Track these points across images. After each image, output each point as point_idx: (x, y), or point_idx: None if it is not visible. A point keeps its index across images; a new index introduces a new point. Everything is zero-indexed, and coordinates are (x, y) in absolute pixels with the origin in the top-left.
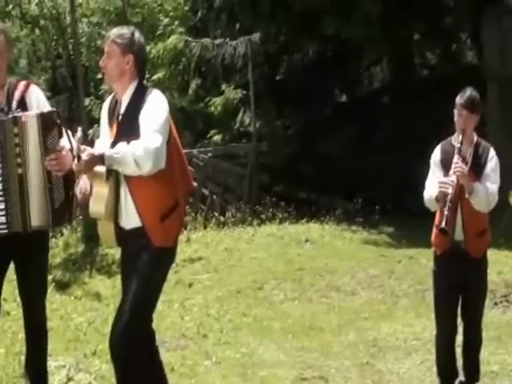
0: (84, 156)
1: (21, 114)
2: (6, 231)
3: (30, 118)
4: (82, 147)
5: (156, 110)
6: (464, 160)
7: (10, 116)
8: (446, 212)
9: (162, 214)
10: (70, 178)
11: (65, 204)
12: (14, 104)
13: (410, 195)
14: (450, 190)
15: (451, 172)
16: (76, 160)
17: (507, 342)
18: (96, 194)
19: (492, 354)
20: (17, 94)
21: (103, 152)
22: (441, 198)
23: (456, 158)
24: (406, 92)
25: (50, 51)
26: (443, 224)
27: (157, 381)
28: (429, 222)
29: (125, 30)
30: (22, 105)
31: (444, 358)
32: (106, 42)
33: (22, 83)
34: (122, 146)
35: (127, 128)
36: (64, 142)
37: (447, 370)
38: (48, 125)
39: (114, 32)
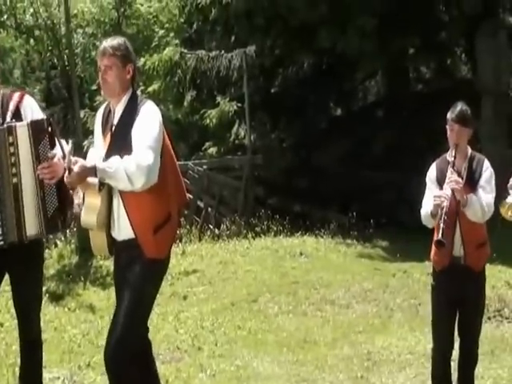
0: (76, 168)
1: (14, 123)
2: (1, 243)
3: (21, 127)
4: (74, 159)
5: (149, 123)
6: (459, 174)
7: (5, 125)
8: (441, 224)
9: (155, 226)
10: (62, 186)
11: (58, 212)
12: (9, 115)
13: (404, 209)
14: (444, 203)
15: (445, 185)
16: (67, 172)
17: (501, 356)
18: (88, 205)
19: (486, 369)
20: (12, 105)
21: (95, 164)
22: (436, 211)
23: (450, 172)
24: (400, 106)
25: (44, 62)
26: (439, 236)
27: None
28: (423, 236)
29: (118, 41)
30: (17, 116)
31: (439, 373)
32: (101, 56)
33: (17, 94)
34: (115, 160)
35: (120, 139)
36: (56, 149)
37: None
38: (39, 133)
39: (110, 45)
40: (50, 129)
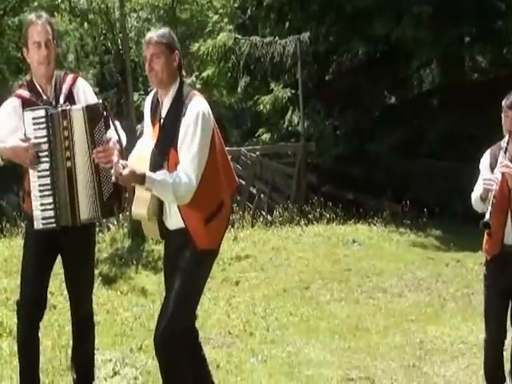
0: (125, 172)
1: (69, 107)
2: (54, 225)
3: (76, 111)
4: (123, 163)
5: (194, 133)
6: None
7: (59, 109)
8: (489, 207)
9: (206, 217)
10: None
11: (114, 196)
12: (62, 97)
13: (458, 199)
14: (493, 187)
15: (496, 170)
16: (114, 178)
17: None
18: (138, 197)
19: None
20: (64, 88)
21: (145, 173)
22: (485, 195)
23: (501, 157)
24: (456, 95)
25: (98, 46)
26: (486, 218)
27: (201, 376)
28: (477, 226)
29: (163, 30)
30: (70, 98)
31: (491, 363)
32: (147, 45)
33: (70, 76)
34: (165, 175)
35: (168, 136)
36: (111, 133)
37: (494, 374)
38: (94, 117)
39: (155, 34)
40: (105, 113)
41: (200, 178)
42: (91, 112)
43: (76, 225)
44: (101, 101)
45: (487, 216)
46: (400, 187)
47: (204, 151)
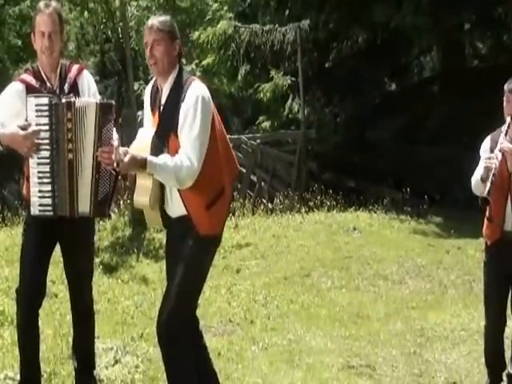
0: (126, 159)
1: (75, 98)
2: (51, 213)
3: (90, 105)
4: (123, 149)
5: (194, 116)
6: None
7: (64, 100)
8: (488, 184)
9: (208, 202)
10: (115, 175)
11: (107, 198)
12: (67, 87)
13: (458, 186)
14: (493, 165)
15: (496, 150)
16: (116, 164)
17: None
18: (140, 186)
19: None
20: (69, 77)
21: (146, 158)
22: (486, 175)
23: (502, 138)
24: (456, 82)
25: (98, 35)
26: (485, 193)
27: (202, 364)
28: (477, 213)
29: (165, 17)
30: (75, 89)
31: (492, 349)
32: (149, 30)
33: (76, 67)
34: (166, 159)
35: (167, 121)
36: (116, 136)
37: (495, 361)
38: (106, 116)
39: (157, 21)
40: (114, 115)
41: (202, 162)
42: (104, 110)
43: (73, 216)
44: (113, 102)
45: (486, 192)
46: (400, 174)
47: (205, 134)
